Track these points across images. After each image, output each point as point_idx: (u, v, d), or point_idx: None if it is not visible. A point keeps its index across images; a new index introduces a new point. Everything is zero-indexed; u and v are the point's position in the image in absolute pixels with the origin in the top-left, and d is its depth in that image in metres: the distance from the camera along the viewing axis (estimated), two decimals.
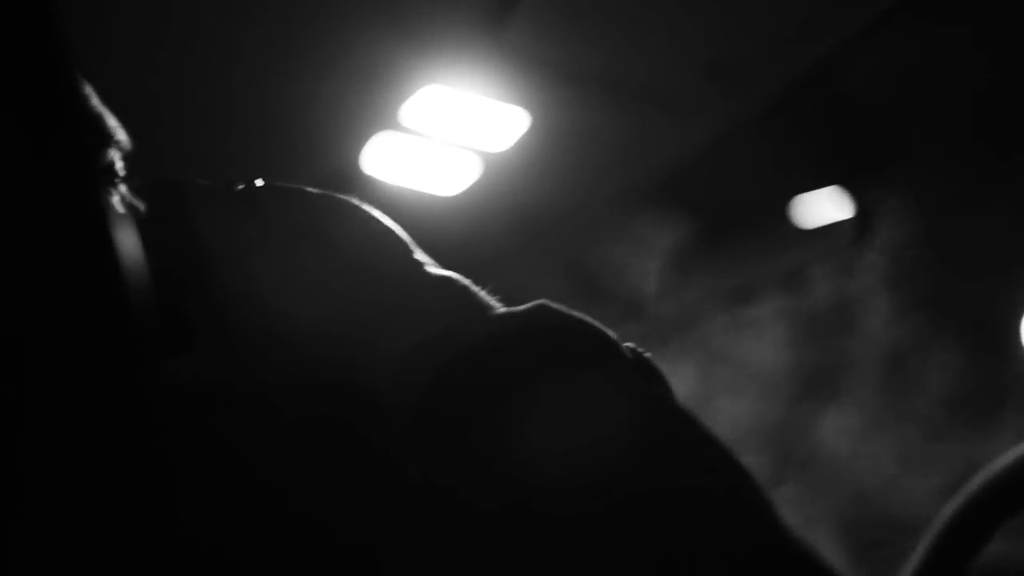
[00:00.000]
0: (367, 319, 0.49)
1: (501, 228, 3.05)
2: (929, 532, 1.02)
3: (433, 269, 0.52)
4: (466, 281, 0.51)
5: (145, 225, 0.53)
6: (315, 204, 0.53)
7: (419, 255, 0.53)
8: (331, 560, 0.48)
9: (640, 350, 0.49)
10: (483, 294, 0.51)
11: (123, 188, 0.61)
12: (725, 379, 3.20)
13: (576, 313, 0.48)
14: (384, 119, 2.58)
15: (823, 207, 2.81)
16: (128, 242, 0.34)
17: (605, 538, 0.39)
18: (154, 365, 0.35)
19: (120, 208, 0.59)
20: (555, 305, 0.48)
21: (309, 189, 0.54)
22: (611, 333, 0.48)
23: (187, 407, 0.50)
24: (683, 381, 3.26)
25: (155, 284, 0.51)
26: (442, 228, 3.00)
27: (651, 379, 0.48)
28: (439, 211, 2.94)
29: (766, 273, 3.04)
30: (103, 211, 0.34)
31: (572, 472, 0.41)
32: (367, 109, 2.54)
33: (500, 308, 0.50)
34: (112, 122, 0.62)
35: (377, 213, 0.54)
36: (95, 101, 0.62)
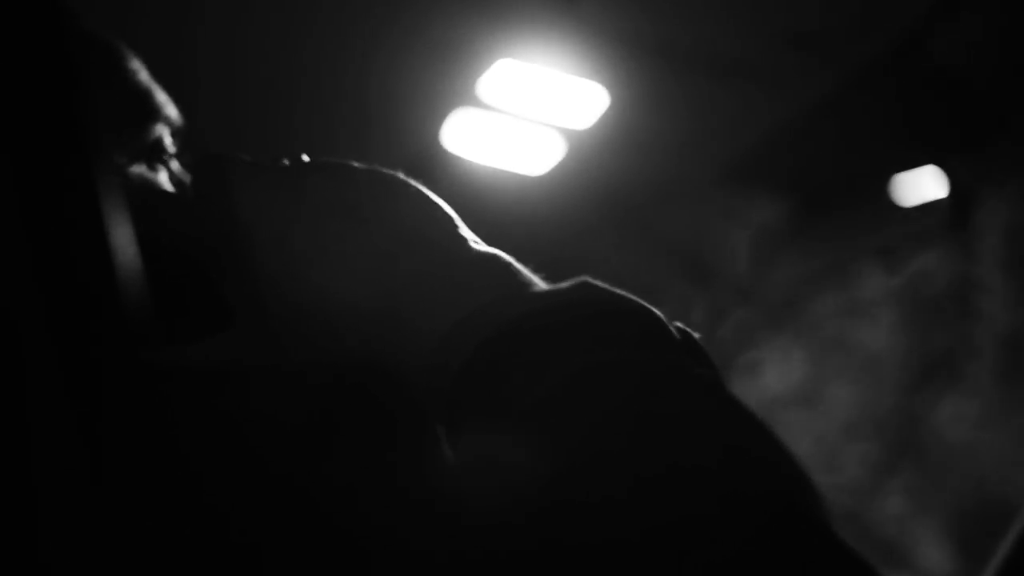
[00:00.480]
0: (405, 296, 0.49)
1: (589, 207, 3.03)
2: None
3: (476, 246, 0.51)
4: (509, 258, 0.50)
5: (186, 201, 0.54)
6: (358, 179, 0.52)
7: (463, 232, 0.52)
8: (344, 541, 0.47)
9: (687, 329, 0.48)
10: (527, 272, 0.50)
11: (173, 164, 0.61)
12: (820, 356, 3.15)
13: (620, 291, 0.47)
14: (463, 95, 2.57)
15: (922, 183, 2.72)
16: (122, 231, 0.34)
17: (639, 524, 0.38)
18: (152, 349, 0.38)
19: (168, 185, 0.59)
20: (598, 282, 0.47)
21: (355, 164, 0.53)
22: (656, 312, 0.47)
23: (202, 386, 0.50)
24: (771, 351, 3.22)
25: (192, 262, 0.52)
26: (530, 207, 2.99)
27: (698, 359, 0.46)
28: (526, 190, 2.93)
29: (863, 250, 2.98)
30: (94, 198, 0.34)
31: (610, 454, 0.40)
32: (445, 84, 2.54)
33: (543, 285, 0.49)
34: (161, 97, 0.62)
35: (423, 189, 0.53)
36: (143, 76, 0.62)
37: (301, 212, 0.51)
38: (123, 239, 0.35)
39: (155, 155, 0.59)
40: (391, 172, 0.53)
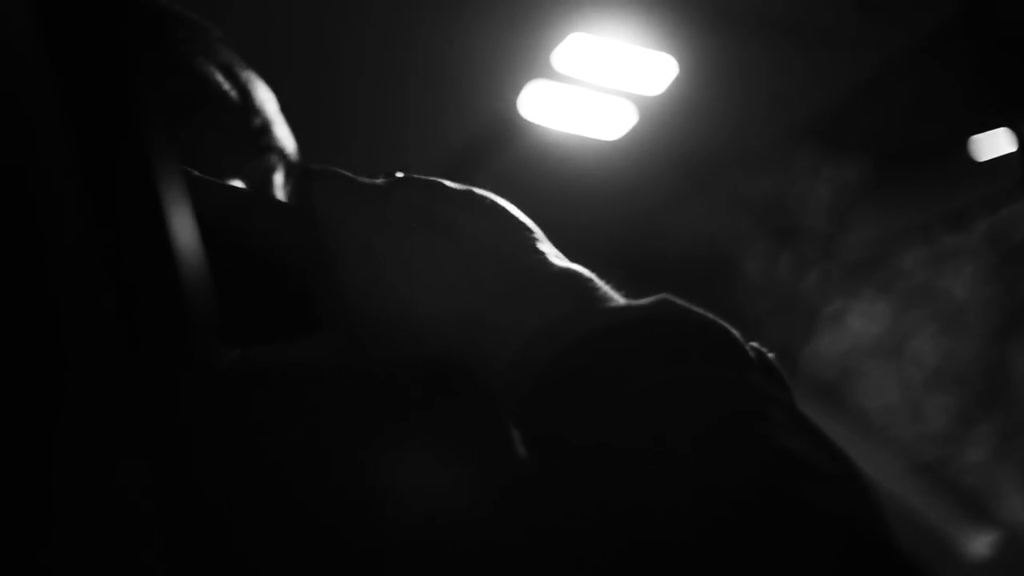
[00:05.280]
0: (488, 306, 0.50)
1: (666, 169, 3.06)
2: None
3: (558, 260, 0.52)
4: (589, 273, 0.51)
5: (282, 211, 0.56)
6: (448, 194, 0.54)
7: (546, 246, 0.53)
8: (420, 534, 0.48)
9: (762, 348, 0.48)
10: (607, 287, 0.50)
11: (280, 192, 0.64)
12: (925, 321, 3.14)
13: (698, 309, 0.47)
14: (537, 66, 2.62)
15: (995, 143, 2.70)
16: (187, 235, 0.35)
17: (711, 538, 0.39)
18: (218, 352, 0.38)
19: (266, 194, 0.62)
20: (678, 300, 0.48)
21: (445, 181, 0.55)
22: (733, 330, 0.47)
23: (289, 384, 0.53)
24: (854, 305, 3.22)
25: (286, 268, 0.54)
26: (607, 171, 3.04)
27: (772, 377, 0.47)
28: (602, 155, 2.97)
29: (939, 208, 2.95)
30: (161, 202, 0.34)
31: (678, 472, 0.41)
32: (520, 56, 2.59)
33: (622, 300, 0.49)
34: (280, 131, 0.65)
35: (508, 206, 0.54)
36: (270, 108, 0.65)
37: (392, 223, 0.52)
38: (189, 243, 0.35)
39: (264, 185, 0.62)
40: (479, 190, 0.55)
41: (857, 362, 3.36)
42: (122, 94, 0.35)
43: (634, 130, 2.85)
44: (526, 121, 2.81)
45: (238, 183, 0.61)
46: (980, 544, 3.10)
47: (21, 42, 0.33)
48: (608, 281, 0.51)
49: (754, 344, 0.47)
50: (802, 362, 3.35)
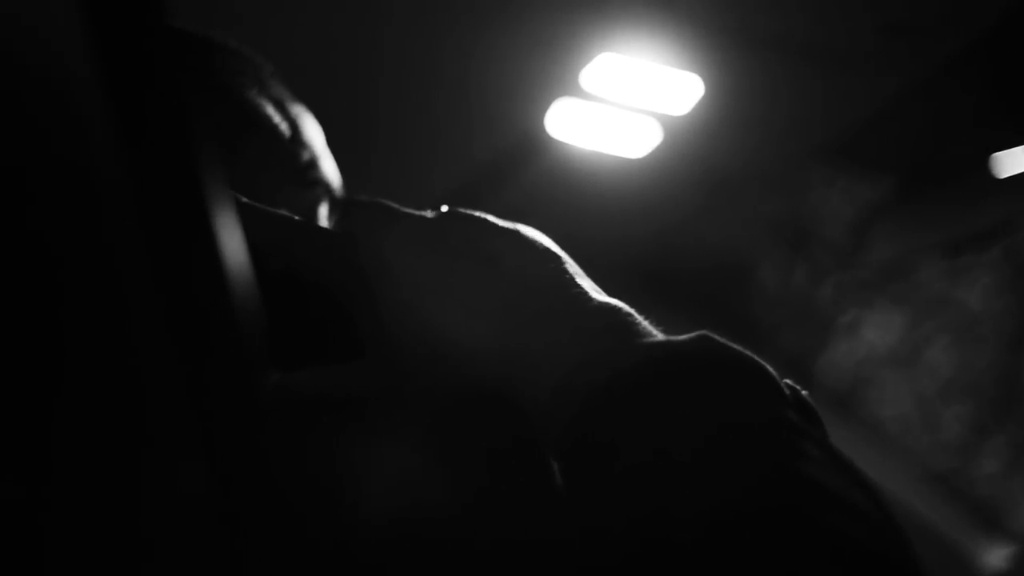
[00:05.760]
0: (529, 339, 0.51)
1: (689, 187, 3.10)
2: None
3: (598, 295, 0.52)
4: (629, 309, 0.52)
5: (329, 240, 0.57)
6: (493, 229, 0.55)
7: (585, 282, 0.53)
8: (458, 559, 0.50)
9: (798, 388, 0.48)
10: (645, 323, 0.51)
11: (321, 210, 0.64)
12: (929, 330, 3.17)
13: (737, 347, 0.48)
14: (565, 84, 2.66)
15: (1016, 161, 2.74)
16: (238, 257, 0.35)
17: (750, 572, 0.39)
18: (266, 375, 0.38)
19: (314, 224, 0.63)
20: (717, 337, 0.48)
21: (490, 217, 0.56)
22: (770, 368, 0.47)
23: (328, 410, 0.53)
24: (873, 319, 3.25)
25: (330, 296, 0.54)
26: (631, 188, 3.08)
27: (807, 416, 0.47)
28: (626, 173, 3.01)
29: (966, 228, 2.97)
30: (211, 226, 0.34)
31: (717, 506, 0.41)
32: (549, 74, 2.64)
33: (661, 337, 0.50)
34: (327, 166, 0.66)
35: (551, 243, 0.55)
36: (318, 143, 0.66)
37: (438, 254, 0.53)
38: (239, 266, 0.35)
39: (309, 218, 0.63)
40: (524, 226, 0.56)
41: (873, 372, 3.38)
42: (178, 122, 0.35)
43: (658, 148, 2.90)
44: (552, 138, 2.86)
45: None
46: (996, 557, 3.11)
47: (80, 73, 0.34)
48: (647, 317, 0.52)
49: (788, 381, 0.48)
50: (818, 371, 3.39)
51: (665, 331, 0.51)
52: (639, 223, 3.21)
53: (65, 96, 0.34)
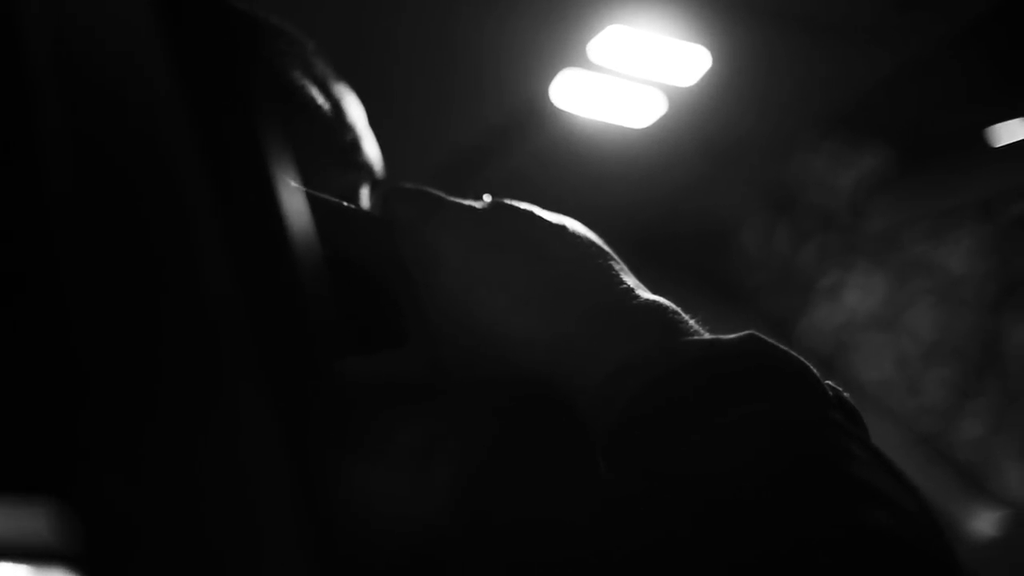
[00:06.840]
0: (576, 332, 0.50)
1: (693, 156, 3.13)
2: None
3: (644, 293, 0.52)
4: (674, 307, 0.51)
5: (375, 227, 0.56)
6: (540, 222, 0.54)
7: (630, 279, 0.53)
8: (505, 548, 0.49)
9: (840, 389, 0.48)
10: (691, 321, 0.51)
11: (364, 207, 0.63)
12: (921, 294, 3.19)
13: (783, 347, 0.48)
14: (573, 55, 2.68)
15: (1016, 132, 2.77)
16: (307, 244, 0.34)
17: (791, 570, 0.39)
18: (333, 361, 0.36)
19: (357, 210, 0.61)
20: (764, 337, 0.48)
21: (538, 209, 0.55)
22: (813, 368, 0.47)
23: (376, 398, 0.53)
24: (876, 298, 3.28)
25: (376, 282, 0.54)
26: (636, 158, 3.10)
27: (850, 419, 0.47)
28: (630, 142, 3.03)
29: (963, 199, 3.00)
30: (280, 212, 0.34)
31: (767, 505, 0.41)
32: (556, 45, 2.65)
33: (707, 335, 0.50)
34: (369, 147, 0.65)
35: (597, 239, 0.55)
36: (360, 124, 0.65)
37: (486, 244, 0.53)
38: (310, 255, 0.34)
39: (349, 201, 0.61)
40: (571, 220, 0.56)
41: (857, 334, 3.41)
42: (243, 101, 0.35)
43: (663, 119, 2.92)
44: (556, 108, 2.87)
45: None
46: (985, 522, 3.11)
47: (153, 71, 0.34)
48: (694, 317, 0.51)
49: (830, 383, 0.48)
50: (798, 334, 3.42)
51: (707, 326, 0.51)
52: (640, 191, 3.23)
53: (146, 92, 0.34)
